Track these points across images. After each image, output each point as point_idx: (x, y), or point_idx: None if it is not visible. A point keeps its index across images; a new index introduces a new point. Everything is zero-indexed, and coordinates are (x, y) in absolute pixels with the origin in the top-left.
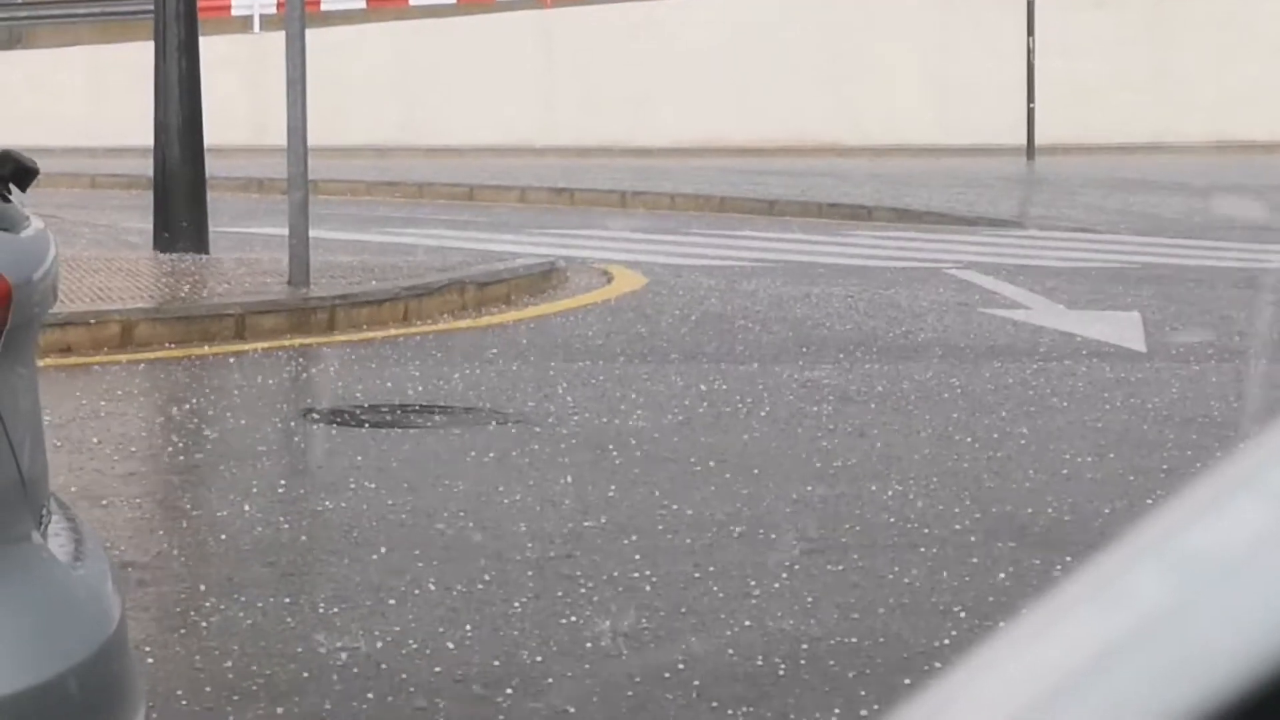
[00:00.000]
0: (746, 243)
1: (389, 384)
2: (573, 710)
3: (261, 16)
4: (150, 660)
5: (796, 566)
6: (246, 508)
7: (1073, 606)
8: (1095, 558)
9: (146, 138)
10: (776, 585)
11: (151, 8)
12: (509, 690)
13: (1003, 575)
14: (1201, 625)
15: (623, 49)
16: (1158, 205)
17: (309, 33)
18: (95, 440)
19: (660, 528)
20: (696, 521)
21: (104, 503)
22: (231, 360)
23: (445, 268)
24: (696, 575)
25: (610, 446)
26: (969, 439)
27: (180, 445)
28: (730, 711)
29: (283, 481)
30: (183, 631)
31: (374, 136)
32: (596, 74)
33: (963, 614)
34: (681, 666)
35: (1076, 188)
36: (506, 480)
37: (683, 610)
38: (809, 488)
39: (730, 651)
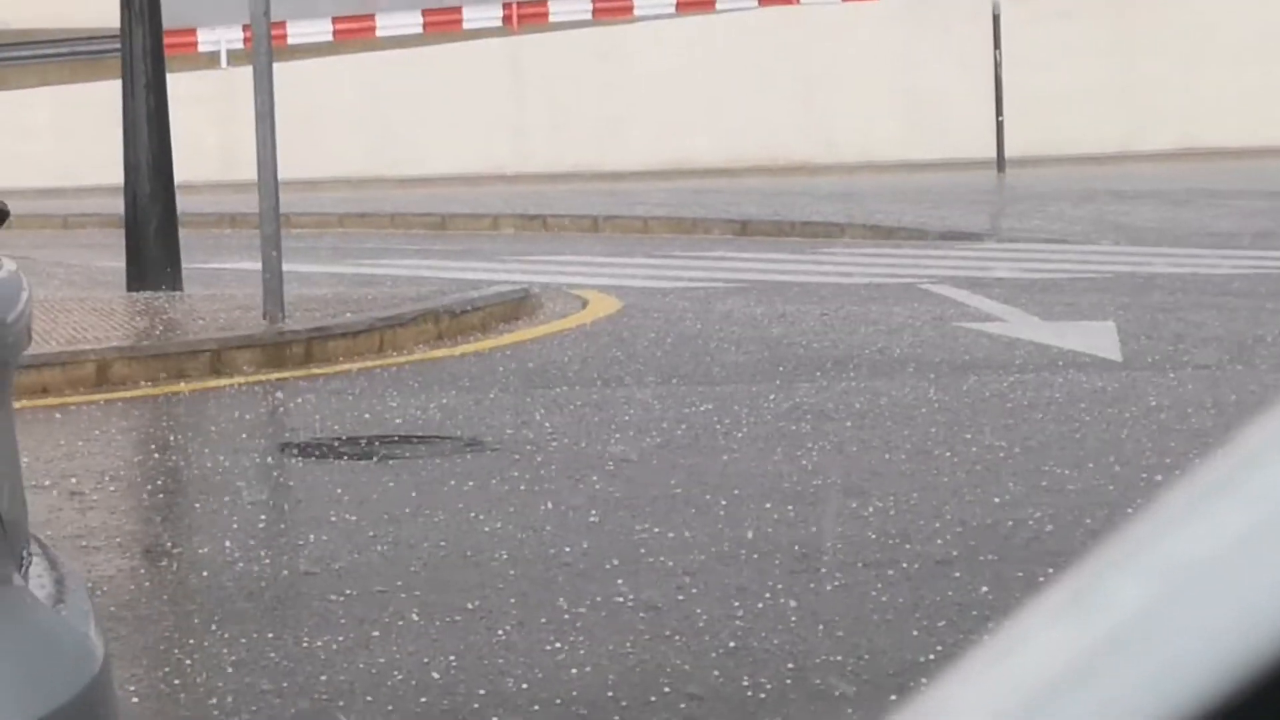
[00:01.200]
0: (720, 264)
1: (366, 415)
2: None
3: (228, 51)
4: (135, 700)
5: (779, 586)
6: (227, 544)
7: (1051, 616)
8: (1074, 567)
9: (117, 176)
10: (760, 605)
11: (118, 47)
12: (494, 719)
13: (985, 589)
14: (1181, 632)
15: (591, 73)
16: (1129, 214)
17: (276, 66)
18: (74, 480)
19: (642, 551)
20: (678, 544)
21: (84, 543)
22: (208, 396)
23: (419, 297)
24: (680, 598)
25: (590, 471)
26: (948, 453)
27: (159, 483)
28: None
29: (263, 516)
30: (167, 670)
31: (345, 168)
32: (566, 99)
33: (946, 629)
34: (667, 690)
35: (1047, 199)
36: (487, 508)
37: (667, 633)
38: (789, 507)
39: (716, 673)
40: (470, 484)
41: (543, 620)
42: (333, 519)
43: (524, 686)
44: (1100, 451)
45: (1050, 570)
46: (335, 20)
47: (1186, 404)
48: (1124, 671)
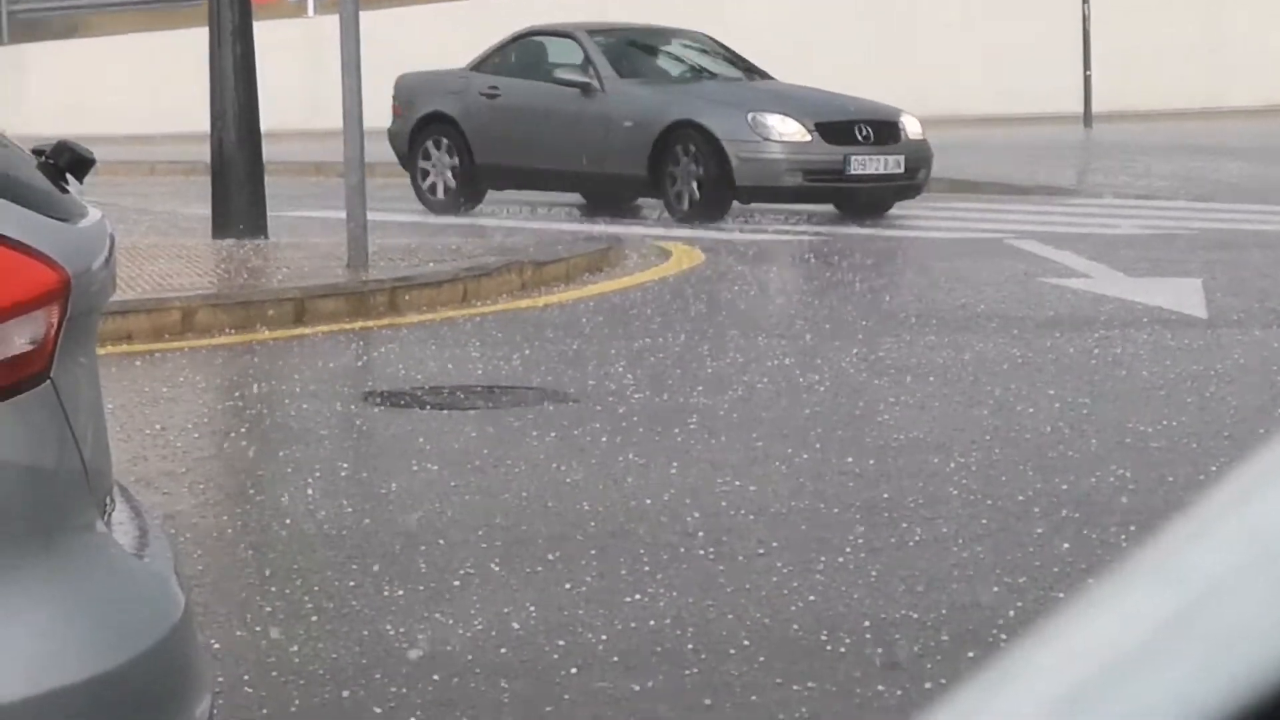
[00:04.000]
0: (803, 218)
1: (449, 365)
2: (637, 689)
3: (315, 0)
4: (216, 646)
5: (860, 541)
6: (310, 492)
7: (1131, 583)
8: (1158, 527)
9: (203, 124)
10: (840, 559)
11: None
12: (574, 670)
13: (1066, 545)
14: (1259, 604)
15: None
16: (1216, 170)
17: (363, 14)
18: (158, 427)
19: (723, 504)
20: (759, 497)
21: (167, 490)
22: (292, 345)
23: (503, 248)
24: (760, 551)
25: (671, 424)
26: (1031, 409)
27: (242, 431)
28: (795, 687)
29: (345, 465)
30: (248, 617)
31: None
32: None
33: (1027, 585)
34: (747, 643)
35: (1134, 154)
36: (568, 459)
37: (747, 586)
38: (871, 461)
39: (795, 627)
40: (552, 435)
41: (622, 572)
42: (414, 468)
43: (603, 638)
44: (1184, 409)
45: (1132, 528)
46: None
47: (1272, 362)
48: (1198, 643)
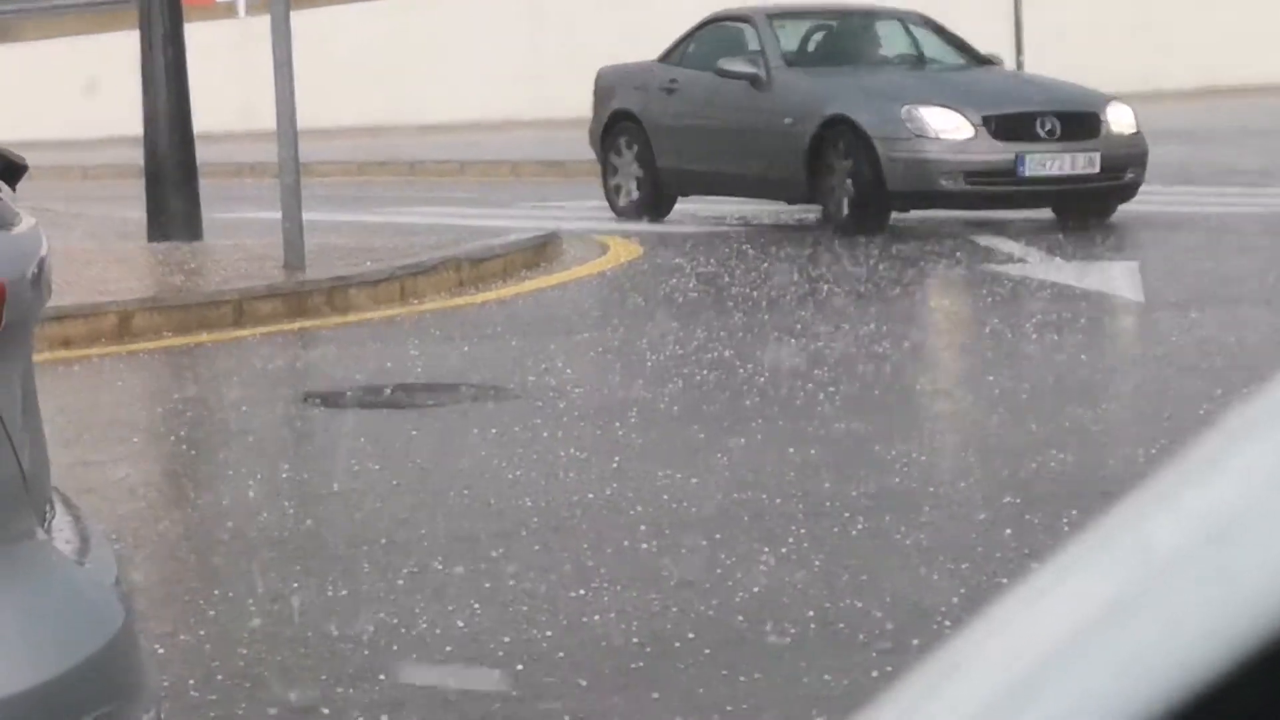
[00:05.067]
0: (739, 207)
1: (389, 364)
2: (584, 683)
3: (246, 1)
4: (161, 651)
5: (803, 531)
6: (251, 494)
7: (1079, 563)
8: (1100, 511)
9: (136, 127)
10: (783, 550)
11: None
12: (520, 666)
13: (1009, 531)
14: (1208, 580)
15: (609, 17)
16: (1152, 153)
17: (294, 15)
18: (96, 432)
19: (665, 497)
20: (701, 489)
21: (107, 496)
22: (230, 347)
23: (440, 245)
24: (703, 543)
25: (612, 418)
26: (970, 396)
27: (182, 434)
28: (742, 678)
29: (286, 466)
30: (192, 621)
31: (364, 116)
32: (583, 44)
33: (970, 572)
34: (692, 636)
35: None
36: (510, 456)
37: (691, 579)
38: (812, 451)
39: (740, 618)
40: (493, 431)
41: (566, 568)
42: (355, 468)
43: (548, 634)
44: (1122, 393)
45: (1074, 513)
46: None
47: (1210, 344)
48: (1150, 621)
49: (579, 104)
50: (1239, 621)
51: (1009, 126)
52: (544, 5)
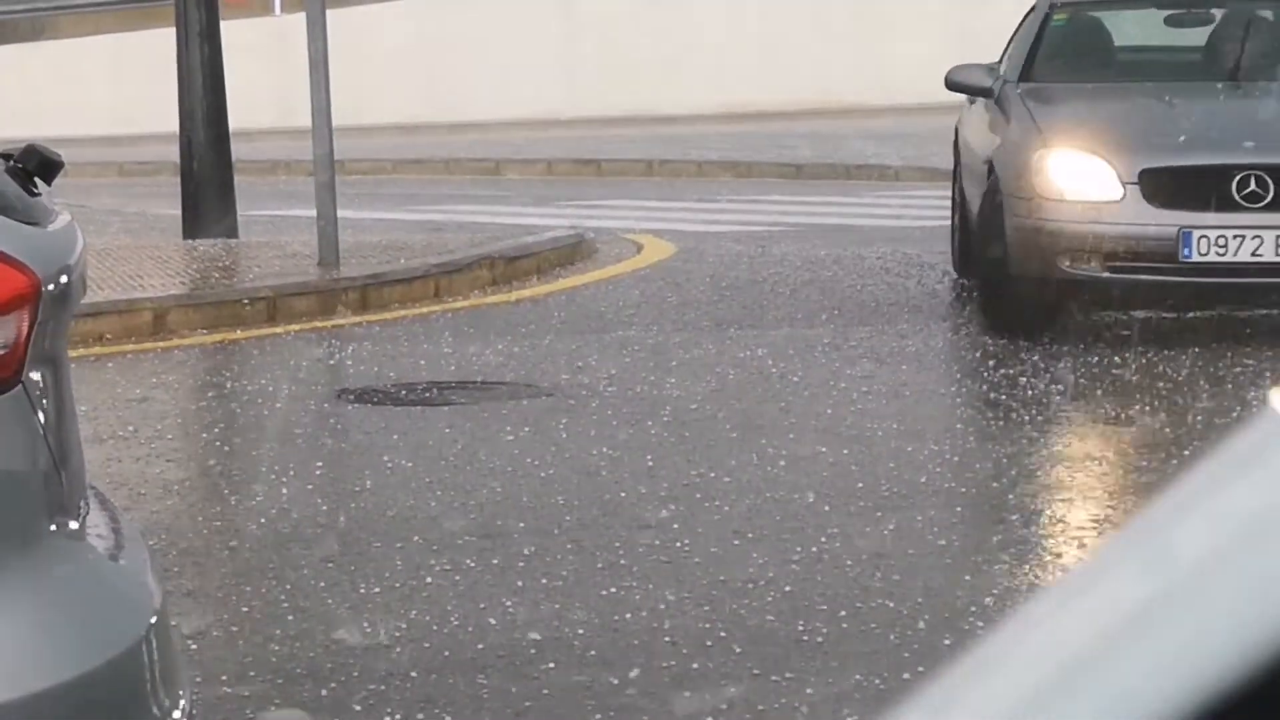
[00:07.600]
0: (775, 207)
1: (422, 361)
2: (615, 681)
3: None
4: (193, 646)
5: (835, 530)
6: (284, 491)
7: (1111, 566)
8: (1131, 513)
9: (172, 124)
10: (815, 549)
11: None
12: (551, 665)
13: (1041, 533)
14: (1239, 582)
15: (645, 15)
16: None
17: (330, 13)
18: (131, 429)
19: (698, 496)
20: (734, 488)
21: (141, 491)
22: (264, 343)
23: (474, 243)
24: (736, 542)
25: (645, 416)
26: (1004, 396)
27: (216, 431)
28: (774, 677)
29: (319, 463)
30: (224, 616)
31: (399, 114)
32: (619, 42)
33: (1002, 573)
34: (723, 634)
35: None
36: (542, 454)
37: (723, 578)
38: (844, 450)
39: (771, 618)
40: (526, 429)
41: (598, 565)
42: (388, 465)
43: (580, 632)
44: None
45: (1109, 512)
46: None
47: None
48: (1182, 622)
49: (615, 103)
50: (1269, 623)
51: (1174, 185)
52: (580, 4)
